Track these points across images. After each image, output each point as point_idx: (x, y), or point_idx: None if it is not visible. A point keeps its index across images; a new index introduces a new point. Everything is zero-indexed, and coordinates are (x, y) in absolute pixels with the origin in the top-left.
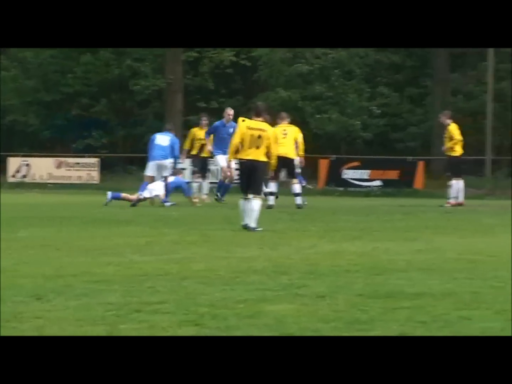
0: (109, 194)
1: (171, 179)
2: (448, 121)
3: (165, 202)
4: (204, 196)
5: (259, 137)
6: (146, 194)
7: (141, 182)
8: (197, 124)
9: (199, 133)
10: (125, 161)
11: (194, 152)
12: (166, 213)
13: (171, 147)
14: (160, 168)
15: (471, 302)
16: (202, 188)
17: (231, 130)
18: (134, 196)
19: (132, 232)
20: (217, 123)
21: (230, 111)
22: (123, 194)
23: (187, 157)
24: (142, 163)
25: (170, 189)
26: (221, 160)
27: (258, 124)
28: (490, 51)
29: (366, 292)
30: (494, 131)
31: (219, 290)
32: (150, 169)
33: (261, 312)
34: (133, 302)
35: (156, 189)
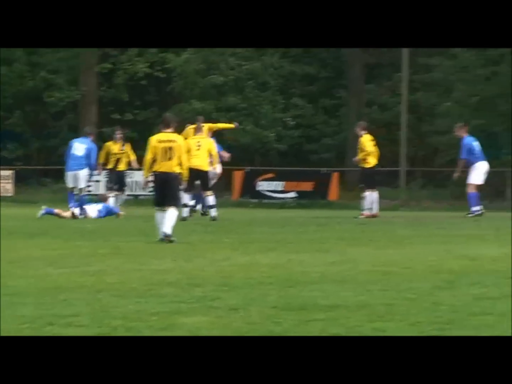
0: (44, 209)
1: (99, 207)
2: (362, 132)
3: (81, 214)
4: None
5: (170, 148)
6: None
7: (55, 194)
8: (111, 137)
9: (113, 147)
10: (39, 174)
11: (109, 166)
12: (81, 225)
13: (87, 155)
14: (76, 179)
15: (385, 314)
16: (118, 200)
17: None
18: (67, 213)
19: (46, 245)
20: None
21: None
22: (56, 210)
23: (103, 170)
24: (56, 175)
25: (103, 216)
26: None
27: (167, 136)
28: (405, 62)
29: (280, 304)
30: (409, 142)
31: (133, 303)
32: (69, 181)
33: (175, 324)
34: (47, 315)
35: (90, 210)
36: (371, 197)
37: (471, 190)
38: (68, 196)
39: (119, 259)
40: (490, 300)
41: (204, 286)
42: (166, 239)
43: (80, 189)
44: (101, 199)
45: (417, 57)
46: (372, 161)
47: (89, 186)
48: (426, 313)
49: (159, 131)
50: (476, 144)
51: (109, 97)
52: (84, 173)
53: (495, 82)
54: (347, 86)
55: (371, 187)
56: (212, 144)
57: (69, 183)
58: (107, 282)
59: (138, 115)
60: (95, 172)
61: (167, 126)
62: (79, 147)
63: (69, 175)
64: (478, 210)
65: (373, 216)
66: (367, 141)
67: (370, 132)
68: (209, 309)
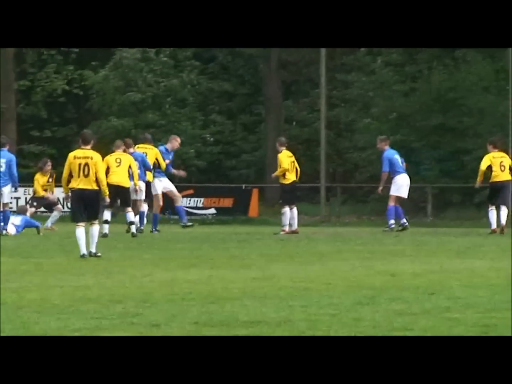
0: None
1: (17, 220)
2: (281, 148)
3: (4, 229)
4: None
5: (86, 164)
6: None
7: None
8: (41, 168)
9: (42, 179)
10: None
11: (36, 195)
12: (1, 242)
13: (9, 169)
14: (1, 195)
15: (306, 330)
16: (52, 219)
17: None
18: None
19: None
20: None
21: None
22: None
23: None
24: None
25: (21, 229)
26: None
27: (85, 152)
28: (322, 79)
29: (201, 320)
30: (328, 158)
31: (55, 319)
32: None
33: None
34: None
35: (9, 227)
36: (289, 213)
37: (391, 203)
38: None
39: (40, 275)
40: (411, 315)
41: (125, 302)
42: (94, 255)
43: (4, 205)
44: (20, 211)
45: (335, 73)
46: (290, 177)
47: (10, 202)
48: (347, 329)
49: (78, 148)
50: (397, 157)
51: (27, 114)
52: (7, 189)
53: (414, 99)
54: (264, 102)
55: (289, 203)
56: (132, 160)
57: None
58: (28, 299)
59: (57, 132)
60: (17, 184)
61: (85, 143)
62: None
63: None
64: (402, 224)
65: (293, 232)
66: (284, 157)
67: (289, 148)
68: (130, 325)
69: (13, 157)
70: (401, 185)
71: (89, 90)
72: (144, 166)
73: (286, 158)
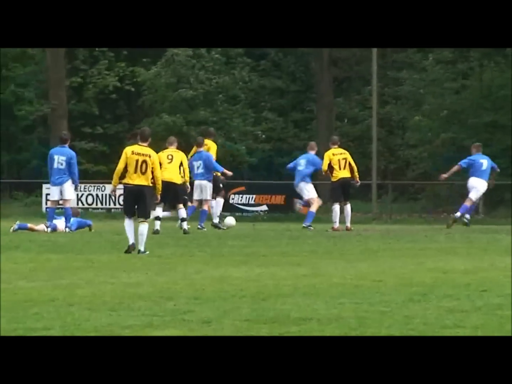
0: (17, 224)
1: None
2: (331, 146)
3: (67, 227)
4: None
5: (144, 162)
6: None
7: (28, 207)
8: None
9: None
10: (10, 187)
11: None
12: (52, 238)
13: (68, 167)
14: (61, 192)
15: (357, 327)
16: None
17: None
18: (39, 227)
19: (17, 258)
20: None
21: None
22: (29, 225)
23: None
24: (27, 189)
25: (74, 229)
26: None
27: (143, 149)
28: (374, 76)
29: (253, 317)
30: (380, 155)
31: (105, 316)
32: (53, 194)
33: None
34: (18, 328)
35: (59, 223)
36: (345, 210)
37: (466, 203)
38: (48, 211)
39: (91, 272)
40: (463, 313)
41: (176, 299)
42: (142, 253)
43: (65, 201)
44: (73, 213)
45: (386, 70)
46: (338, 174)
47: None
48: (398, 326)
49: (133, 144)
50: (481, 161)
51: (79, 111)
52: (68, 185)
53: (465, 96)
54: (316, 99)
55: (337, 200)
56: (184, 157)
57: (53, 197)
58: (79, 295)
59: (108, 128)
60: (77, 182)
61: (143, 139)
62: (60, 159)
63: (54, 189)
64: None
65: (346, 229)
66: (326, 157)
67: (342, 146)
68: (182, 322)
69: (73, 154)
70: (468, 187)
71: (140, 86)
72: (206, 166)
73: (327, 158)
